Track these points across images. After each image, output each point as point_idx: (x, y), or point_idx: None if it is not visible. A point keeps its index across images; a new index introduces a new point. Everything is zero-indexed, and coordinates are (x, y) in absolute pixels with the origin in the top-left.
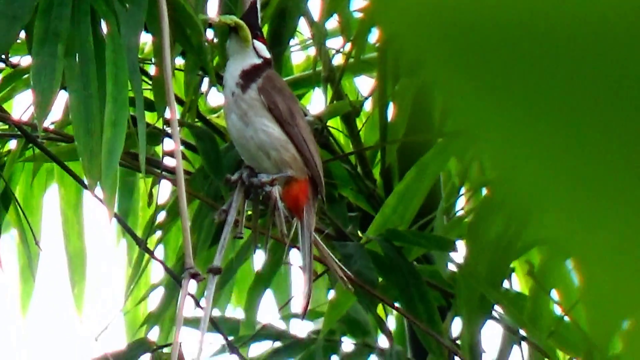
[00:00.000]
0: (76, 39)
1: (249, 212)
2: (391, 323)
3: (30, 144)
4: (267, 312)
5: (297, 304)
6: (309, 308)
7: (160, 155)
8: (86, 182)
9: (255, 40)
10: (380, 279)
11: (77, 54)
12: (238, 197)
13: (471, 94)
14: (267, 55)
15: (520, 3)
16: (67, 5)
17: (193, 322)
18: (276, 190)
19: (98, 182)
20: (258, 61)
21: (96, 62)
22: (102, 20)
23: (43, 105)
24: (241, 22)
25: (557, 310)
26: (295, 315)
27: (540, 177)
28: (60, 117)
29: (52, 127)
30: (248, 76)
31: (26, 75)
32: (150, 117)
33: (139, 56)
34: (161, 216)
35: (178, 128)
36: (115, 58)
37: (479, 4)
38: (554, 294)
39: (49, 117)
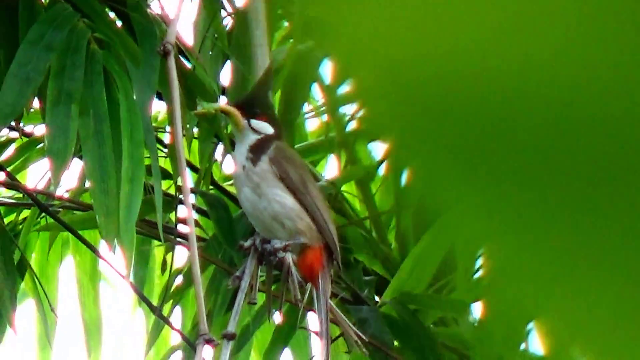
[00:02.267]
0: (89, 99)
1: (263, 278)
2: None
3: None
4: None
5: None
6: None
7: (178, 221)
8: (102, 243)
9: (252, 120)
10: (395, 343)
11: (91, 114)
12: (251, 264)
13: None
14: (269, 131)
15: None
16: (79, 67)
17: None
18: (289, 256)
19: (115, 240)
20: (260, 137)
21: (110, 122)
22: (115, 81)
23: (59, 164)
24: (227, 108)
25: None
26: None
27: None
28: (76, 185)
29: (67, 195)
30: (256, 150)
31: (40, 145)
32: (164, 184)
33: (154, 124)
34: (178, 281)
35: (191, 195)
36: (129, 117)
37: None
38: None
39: (64, 185)
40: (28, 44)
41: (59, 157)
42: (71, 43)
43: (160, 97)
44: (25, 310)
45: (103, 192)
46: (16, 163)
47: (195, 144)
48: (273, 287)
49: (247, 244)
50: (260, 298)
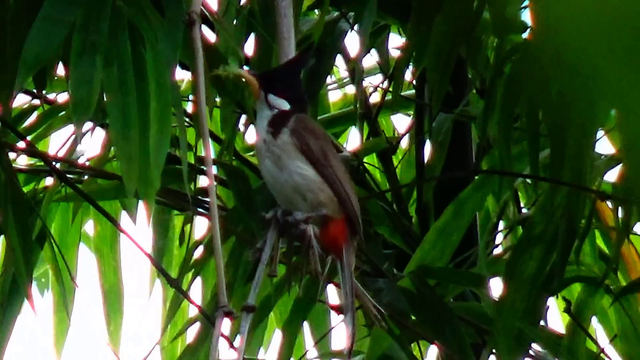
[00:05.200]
0: (114, 51)
1: (284, 250)
2: None
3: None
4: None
5: (334, 341)
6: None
7: (198, 192)
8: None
9: (270, 95)
10: (413, 317)
11: (115, 65)
12: (272, 235)
13: None
14: (284, 108)
15: None
16: (104, 20)
17: None
18: (311, 229)
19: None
20: (274, 112)
21: (135, 75)
22: (140, 35)
23: (82, 113)
24: (245, 75)
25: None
26: (335, 355)
27: None
28: (98, 154)
29: (88, 164)
30: (277, 122)
31: (62, 113)
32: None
33: None
34: (198, 252)
35: (213, 166)
36: (156, 65)
37: None
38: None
39: (86, 154)
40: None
41: (82, 105)
42: None
43: (183, 67)
44: (44, 278)
45: (125, 139)
46: (39, 130)
47: (217, 113)
48: (294, 260)
49: (269, 215)
50: (281, 270)
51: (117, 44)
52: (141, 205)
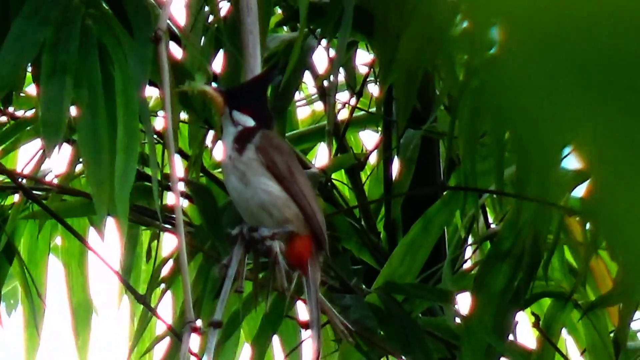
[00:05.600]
0: (84, 71)
1: (250, 266)
2: None
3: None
4: None
5: (304, 356)
6: None
7: (166, 209)
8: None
9: (235, 111)
10: (381, 332)
11: (85, 86)
12: (238, 252)
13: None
14: (248, 124)
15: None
16: (74, 40)
17: None
18: (277, 245)
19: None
20: (238, 129)
21: (105, 96)
22: (110, 55)
23: (52, 135)
24: (209, 91)
25: None
26: None
27: None
28: (65, 171)
29: (56, 181)
30: (243, 138)
31: (29, 127)
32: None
33: None
34: (167, 268)
35: (179, 183)
36: (124, 88)
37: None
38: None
39: (54, 170)
40: (23, 18)
41: (52, 127)
42: (66, 18)
43: (151, 83)
44: (12, 299)
45: (96, 162)
46: (6, 143)
47: (185, 129)
48: (260, 275)
49: (235, 231)
50: (248, 286)
51: (87, 64)
52: (109, 221)
